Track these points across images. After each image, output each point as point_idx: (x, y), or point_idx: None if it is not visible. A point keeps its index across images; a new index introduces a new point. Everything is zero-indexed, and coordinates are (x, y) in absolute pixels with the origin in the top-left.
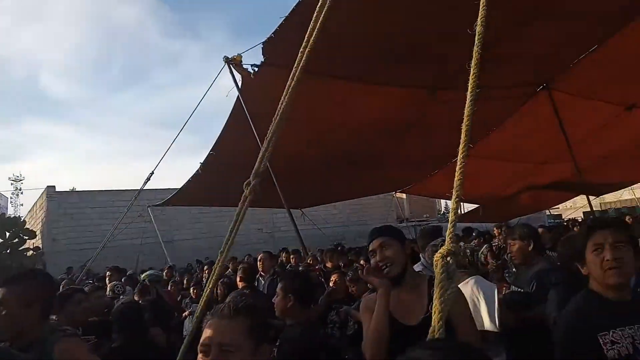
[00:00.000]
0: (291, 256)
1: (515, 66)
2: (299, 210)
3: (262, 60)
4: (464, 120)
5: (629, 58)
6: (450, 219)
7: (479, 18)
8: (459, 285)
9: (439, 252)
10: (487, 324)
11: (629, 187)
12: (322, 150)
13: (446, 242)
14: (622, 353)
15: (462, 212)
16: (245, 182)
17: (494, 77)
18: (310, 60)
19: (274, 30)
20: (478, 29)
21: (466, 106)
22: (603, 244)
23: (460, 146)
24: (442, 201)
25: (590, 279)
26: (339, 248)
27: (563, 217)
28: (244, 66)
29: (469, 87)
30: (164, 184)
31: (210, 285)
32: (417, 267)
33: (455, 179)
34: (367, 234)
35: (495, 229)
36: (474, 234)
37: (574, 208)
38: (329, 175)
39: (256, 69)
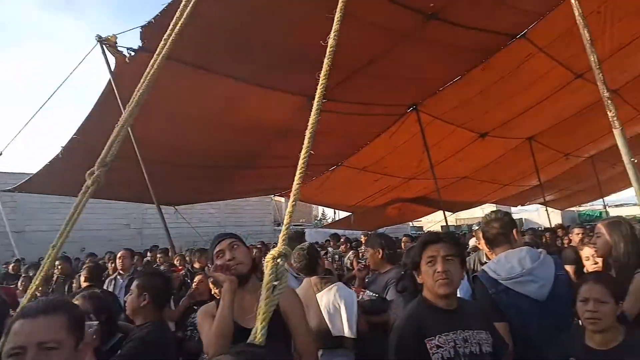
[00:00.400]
0: (158, 255)
1: (391, 86)
2: (172, 208)
3: (140, 45)
4: (308, 127)
5: (486, 91)
6: (285, 221)
7: (332, 31)
8: (323, 292)
9: (270, 253)
10: (346, 331)
11: (480, 207)
12: (199, 148)
13: (279, 244)
14: (445, 356)
15: (336, 220)
16: (88, 172)
17: (371, 94)
18: (191, 52)
19: (155, 15)
20: (330, 41)
21: (311, 114)
22: (435, 257)
23: (302, 152)
24: (320, 208)
25: (424, 288)
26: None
27: (424, 230)
28: (120, 49)
29: (316, 97)
30: (18, 168)
31: (37, 282)
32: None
33: (294, 183)
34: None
35: (362, 236)
36: (341, 240)
37: (434, 222)
38: (205, 173)
39: (132, 53)
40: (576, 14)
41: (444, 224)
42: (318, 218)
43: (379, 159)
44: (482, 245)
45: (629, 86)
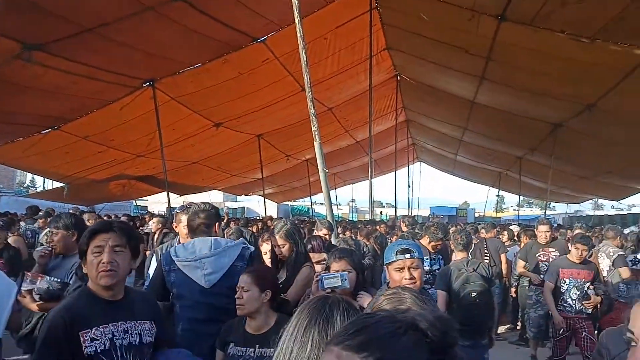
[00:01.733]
0: None
1: (128, 55)
2: None
3: None
4: None
5: (224, 83)
6: None
7: None
8: None
9: None
10: None
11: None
12: None
13: None
14: (99, 349)
15: (47, 190)
16: None
17: (105, 60)
18: None
19: None
20: None
21: None
22: (103, 246)
23: None
24: (29, 174)
25: (89, 278)
26: None
27: (149, 209)
28: None
29: None
30: None
31: None
32: None
33: None
34: None
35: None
36: (40, 213)
37: (160, 202)
38: None
39: None
40: (298, 35)
41: (172, 205)
42: (25, 185)
43: (105, 130)
44: (180, 229)
45: (341, 106)
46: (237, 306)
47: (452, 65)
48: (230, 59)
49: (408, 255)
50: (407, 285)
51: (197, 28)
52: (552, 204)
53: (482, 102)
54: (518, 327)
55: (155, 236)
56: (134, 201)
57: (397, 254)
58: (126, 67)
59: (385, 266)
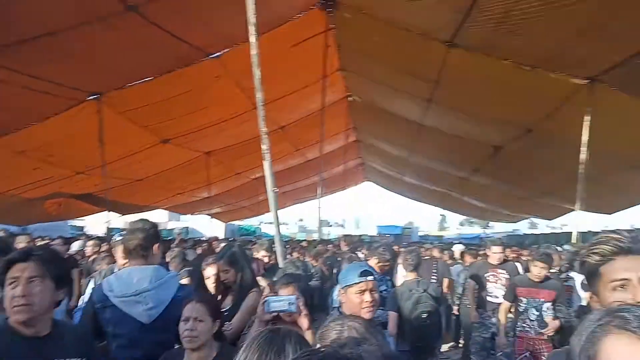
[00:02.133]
0: None
1: (74, 67)
2: None
3: None
4: None
5: (174, 99)
6: None
7: None
8: None
9: None
10: None
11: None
12: None
13: None
14: None
15: None
16: None
17: (49, 71)
18: None
19: None
20: None
21: None
22: (19, 277)
23: None
24: None
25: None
26: None
27: (84, 230)
28: None
29: None
30: None
31: None
32: None
33: None
34: None
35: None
36: None
37: (100, 223)
38: None
39: None
40: (252, 52)
41: (112, 225)
42: None
43: (44, 144)
44: (118, 255)
45: (293, 125)
46: (188, 338)
47: (402, 88)
48: (182, 73)
49: (370, 277)
50: (368, 308)
51: (149, 41)
52: (491, 222)
53: (429, 124)
54: (460, 345)
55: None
56: (69, 221)
57: (359, 276)
58: (71, 79)
59: (340, 289)
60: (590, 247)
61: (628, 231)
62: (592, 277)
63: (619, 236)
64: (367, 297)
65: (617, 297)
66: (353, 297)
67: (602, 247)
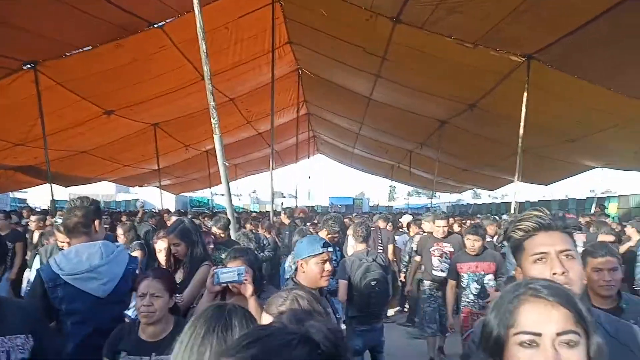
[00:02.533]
0: None
1: (7, 34)
2: None
3: None
4: None
5: (117, 69)
6: None
7: None
8: None
9: None
10: None
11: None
12: None
13: None
14: None
15: None
16: None
17: None
18: None
19: None
20: None
21: None
22: None
23: None
24: None
25: None
26: None
27: (27, 202)
28: None
29: None
30: None
31: None
32: None
33: None
34: None
35: None
36: None
37: (43, 195)
38: None
39: None
40: (197, 26)
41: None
42: None
43: None
44: (58, 236)
45: (243, 97)
46: (145, 314)
47: (350, 63)
48: (125, 43)
49: (330, 249)
50: (327, 277)
51: (87, 9)
52: (438, 193)
53: (378, 98)
54: (405, 310)
55: (35, 236)
56: (11, 194)
57: (322, 247)
58: (4, 47)
59: (301, 259)
60: (515, 223)
61: (550, 209)
62: (517, 251)
63: (541, 213)
64: (327, 266)
65: (537, 268)
66: (315, 266)
67: (525, 224)
